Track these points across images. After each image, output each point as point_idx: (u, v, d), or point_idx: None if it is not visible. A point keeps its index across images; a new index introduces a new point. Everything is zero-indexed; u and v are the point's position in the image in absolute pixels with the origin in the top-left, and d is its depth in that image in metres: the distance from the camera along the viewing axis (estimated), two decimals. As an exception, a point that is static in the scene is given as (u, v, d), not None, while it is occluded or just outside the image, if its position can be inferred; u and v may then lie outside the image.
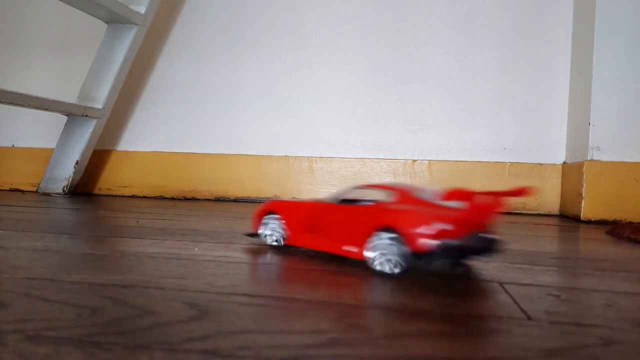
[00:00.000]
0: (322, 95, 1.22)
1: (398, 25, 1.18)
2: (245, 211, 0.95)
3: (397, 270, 0.38)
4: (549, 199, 1.10)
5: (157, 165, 1.29)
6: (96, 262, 0.41)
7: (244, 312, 0.28)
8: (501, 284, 0.38)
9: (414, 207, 0.40)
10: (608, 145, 0.94)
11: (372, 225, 0.40)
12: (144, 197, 1.28)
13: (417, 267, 0.39)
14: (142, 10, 1.18)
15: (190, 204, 1.09)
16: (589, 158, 0.94)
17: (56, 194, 1.21)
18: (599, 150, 0.94)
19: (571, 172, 1.03)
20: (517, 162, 1.12)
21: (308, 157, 1.22)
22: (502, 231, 0.73)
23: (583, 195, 0.94)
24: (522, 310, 0.30)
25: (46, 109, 1.08)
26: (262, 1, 1.25)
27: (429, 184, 1.15)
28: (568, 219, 1.01)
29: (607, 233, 0.75)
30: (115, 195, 1.29)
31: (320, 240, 0.46)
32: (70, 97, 1.19)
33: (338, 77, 1.21)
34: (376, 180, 1.17)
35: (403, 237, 0.37)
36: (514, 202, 1.11)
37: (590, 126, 0.95)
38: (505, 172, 1.12)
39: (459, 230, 0.37)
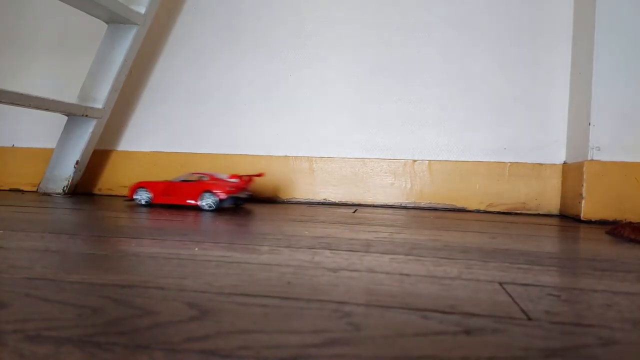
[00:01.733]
0: (322, 95, 1.22)
1: (398, 25, 1.18)
2: (245, 211, 0.95)
3: (213, 207, 0.91)
4: (549, 199, 1.10)
5: (157, 165, 1.29)
6: (96, 262, 0.41)
7: (244, 312, 0.28)
8: (501, 284, 0.38)
9: (217, 182, 0.94)
10: (608, 145, 0.94)
11: (200, 190, 0.92)
12: (144, 197, 1.28)
13: (221, 206, 0.91)
14: (142, 10, 1.18)
15: (190, 204, 1.09)
16: (589, 158, 0.94)
17: (56, 194, 1.21)
18: (599, 150, 0.94)
19: (571, 172, 1.03)
20: (517, 162, 1.12)
21: (308, 157, 1.22)
22: (501, 232, 0.73)
23: (583, 195, 0.94)
24: (522, 310, 0.30)
25: (46, 109, 1.08)
26: (262, 1, 1.25)
27: (429, 184, 1.15)
28: (568, 219, 1.01)
29: (607, 233, 0.75)
30: (116, 195, 1.29)
31: (172, 199, 0.94)
32: (70, 97, 1.19)
33: (338, 77, 1.21)
34: (377, 179, 1.18)
35: (214, 194, 0.91)
36: (514, 203, 1.11)
37: (590, 126, 0.95)
38: (505, 172, 1.12)
39: (235, 191, 0.92)
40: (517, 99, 1.13)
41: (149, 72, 1.31)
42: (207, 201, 0.91)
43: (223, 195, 0.90)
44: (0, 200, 1.05)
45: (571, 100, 1.09)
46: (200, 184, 0.92)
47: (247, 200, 0.98)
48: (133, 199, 0.97)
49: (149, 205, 0.96)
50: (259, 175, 1.00)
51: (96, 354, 0.22)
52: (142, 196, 0.96)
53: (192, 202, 0.92)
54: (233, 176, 0.95)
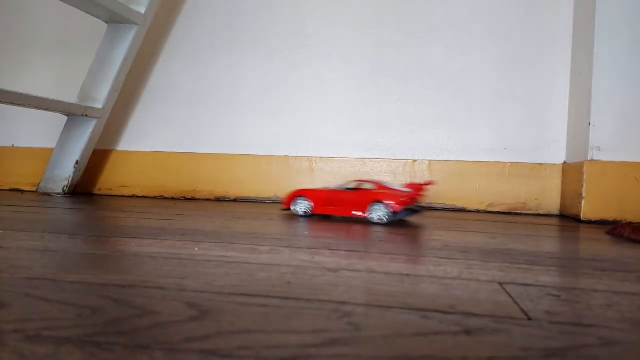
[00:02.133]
0: (322, 95, 1.22)
1: (398, 25, 1.18)
2: (245, 211, 0.95)
3: (385, 220, 0.78)
4: (549, 199, 1.10)
5: (157, 165, 1.29)
6: (96, 262, 0.41)
7: (244, 312, 0.28)
8: (501, 284, 0.38)
9: (389, 191, 0.81)
10: (608, 145, 0.94)
11: (370, 200, 0.80)
12: (144, 197, 1.28)
13: (394, 219, 0.79)
14: (142, 10, 1.18)
15: (190, 204, 1.09)
16: (589, 158, 0.94)
17: (56, 194, 1.21)
18: (599, 150, 0.94)
19: (571, 172, 1.03)
20: (517, 162, 1.12)
21: (308, 157, 1.22)
22: (501, 232, 0.73)
23: (583, 195, 0.94)
24: (522, 310, 0.30)
25: (46, 109, 1.08)
26: (262, 1, 1.25)
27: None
28: (568, 219, 1.01)
29: (607, 233, 0.75)
30: (115, 195, 1.29)
31: (336, 209, 0.83)
32: (70, 97, 1.19)
33: (338, 77, 1.21)
34: (376, 179, 1.17)
35: (387, 206, 0.78)
36: (514, 203, 1.11)
37: (590, 126, 0.95)
38: (505, 172, 1.12)
39: (409, 202, 0.79)
40: (517, 99, 1.13)
41: (149, 72, 1.31)
42: (377, 213, 0.78)
43: (397, 207, 0.77)
44: (0, 200, 1.05)
45: (571, 100, 1.09)
46: (370, 194, 0.80)
47: (416, 213, 0.84)
48: (289, 209, 0.87)
49: (308, 216, 0.85)
50: (428, 184, 0.85)
51: (96, 354, 0.22)
52: (302, 206, 0.85)
53: (359, 213, 0.80)
54: (408, 185, 0.83)
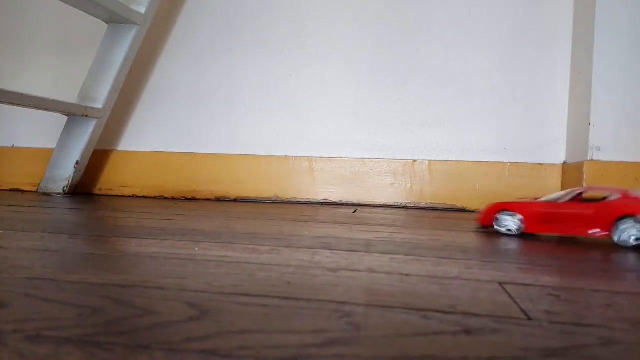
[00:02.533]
0: (322, 95, 1.22)
1: (398, 25, 1.18)
2: (245, 211, 0.95)
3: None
4: None
5: (157, 165, 1.29)
6: (96, 262, 0.41)
7: (244, 312, 0.28)
8: (501, 284, 0.38)
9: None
10: (608, 145, 0.94)
11: (615, 214, 0.58)
12: (144, 197, 1.28)
13: None
14: (142, 10, 1.18)
15: (190, 204, 1.09)
16: (589, 158, 0.94)
17: (56, 194, 1.21)
18: (599, 150, 0.94)
19: (571, 172, 1.03)
20: (517, 162, 1.12)
21: (308, 157, 1.22)
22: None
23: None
24: (522, 310, 0.30)
25: (46, 109, 1.08)
26: (262, 1, 1.25)
27: (429, 184, 1.15)
28: (568, 219, 1.00)
29: (607, 233, 0.75)
30: (115, 195, 1.29)
31: (560, 227, 0.64)
32: (70, 97, 1.19)
33: (338, 77, 1.21)
34: (377, 179, 1.18)
35: None
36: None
37: (590, 126, 0.95)
38: (505, 172, 1.12)
39: None
40: (517, 99, 1.13)
41: (149, 72, 1.31)
42: (632, 232, 0.57)
43: None
44: (0, 200, 1.05)
45: (571, 100, 1.09)
46: (612, 206, 0.60)
47: None
48: (490, 226, 0.70)
49: (519, 235, 0.67)
50: None
51: (96, 354, 0.22)
52: (510, 224, 0.67)
53: (599, 231, 0.60)
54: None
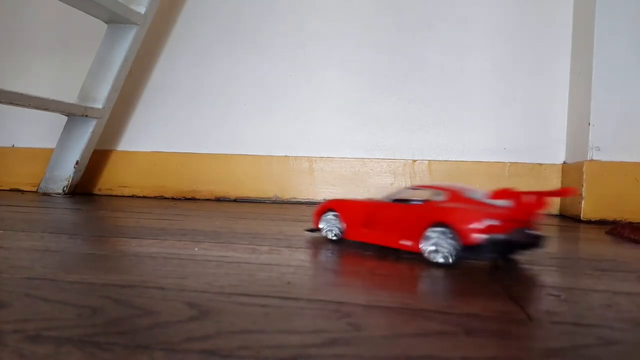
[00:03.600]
0: (322, 95, 1.22)
1: (398, 25, 1.18)
2: (245, 211, 0.95)
3: (450, 261, 0.42)
4: (549, 199, 1.10)
5: (157, 165, 1.29)
6: (96, 262, 0.41)
7: (244, 312, 0.28)
8: (501, 284, 0.38)
9: (465, 205, 0.44)
10: (608, 145, 0.94)
11: (429, 220, 0.44)
12: (144, 197, 1.28)
13: (466, 259, 0.43)
14: (142, 10, 1.18)
15: (190, 204, 1.09)
16: (589, 158, 0.94)
17: (56, 194, 1.21)
18: (599, 150, 0.94)
19: (571, 172, 1.03)
20: (517, 162, 1.12)
21: (308, 157, 1.22)
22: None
23: (583, 195, 0.94)
24: (522, 310, 0.30)
25: (46, 109, 1.08)
26: (262, 1, 1.25)
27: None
28: (568, 219, 1.00)
29: (607, 233, 0.75)
30: (115, 195, 1.29)
31: (376, 234, 0.50)
32: (70, 97, 1.19)
33: (338, 77, 1.21)
34: (377, 179, 1.18)
35: (455, 232, 0.41)
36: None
37: (590, 126, 0.95)
38: (505, 172, 1.12)
39: (505, 226, 0.41)
40: (517, 99, 1.13)
41: (149, 72, 1.31)
42: (438, 246, 0.43)
43: (477, 237, 0.40)
44: (0, 200, 1.05)
45: (571, 100, 1.09)
46: (429, 209, 0.45)
47: (530, 247, 0.45)
48: (318, 229, 0.57)
49: (340, 240, 0.55)
50: (565, 192, 0.43)
51: (96, 354, 0.22)
52: (332, 226, 0.55)
53: (408, 243, 0.46)
54: (500, 193, 0.44)
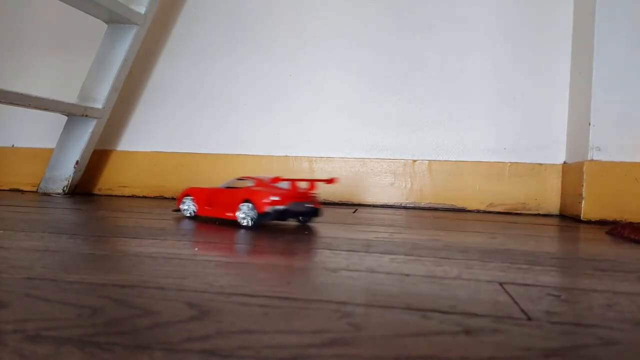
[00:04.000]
0: (322, 95, 1.22)
1: (398, 25, 1.18)
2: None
3: (251, 224, 0.67)
4: (549, 199, 1.10)
5: (157, 165, 1.29)
6: (96, 262, 0.41)
7: (244, 312, 0.28)
8: (501, 284, 0.38)
9: (262, 188, 0.68)
10: (608, 145, 0.94)
11: (240, 199, 0.68)
12: (144, 197, 1.28)
13: (262, 222, 0.67)
14: (142, 10, 1.18)
15: (190, 204, 1.09)
16: (589, 158, 0.94)
17: (56, 194, 1.21)
18: (599, 150, 0.94)
19: (571, 172, 1.03)
20: (517, 162, 1.12)
21: (308, 157, 1.22)
22: (501, 232, 0.73)
23: (583, 195, 0.94)
24: (522, 310, 0.30)
25: (46, 109, 1.08)
26: (262, 1, 1.25)
27: (429, 184, 1.15)
28: (568, 219, 1.01)
29: (607, 233, 0.75)
30: (115, 195, 1.29)
31: (213, 210, 0.73)
32: (70, 97, 1.19)
33: (338, 77, 1.21)
34: (377, 179, 1.18)
35: (254, 205, 0.66)
36: (514, 203, 1.11)
37: (590, 126, 0.95)
38: (505, 172, 1.12)
39: (284, 201, 0.66)
40: (517, 99, 1.13)
41: (149, 72, 1.31)
42: (243, 214, 0.67)
43: (264, 207, 0.65)
44: (0, 200, 1.05)
45: (571, 100, 1.09)
46: (241, 192, 0.69)
47: (311, 215, 0.71)
48: (180, 210, 0.79)
49: (195, 217, 0.77)
50: (329, 181, 0.68)
51: (96, 354, 0.22)
52: (189, 207, 0.77)
53: (231, 214, 0.69)
54: (275, 179, 0.71)
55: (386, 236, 0.63)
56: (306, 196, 0.69)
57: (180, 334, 0.24)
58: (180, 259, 0.44)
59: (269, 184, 0.70)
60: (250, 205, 0.66)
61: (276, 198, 0.65)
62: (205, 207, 0.74)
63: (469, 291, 0.35)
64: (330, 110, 1.21)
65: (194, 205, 0.77)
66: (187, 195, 0.78)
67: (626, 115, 0.94)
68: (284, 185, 0.69)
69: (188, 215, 0.77)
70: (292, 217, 0.69)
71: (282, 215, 0.66)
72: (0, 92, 0.93)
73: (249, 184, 0.72)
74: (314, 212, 0.71)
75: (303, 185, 0.70)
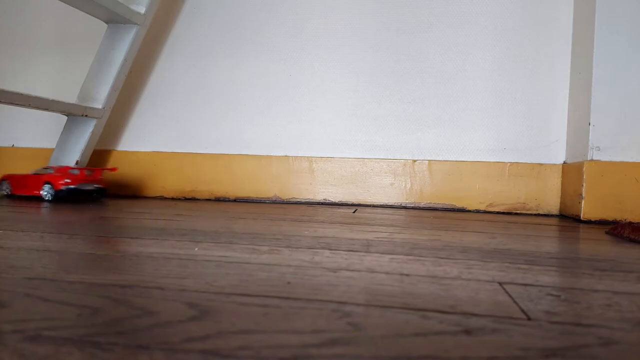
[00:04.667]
0: (322, 95, 1.22)
1: (398, 25, 1.18)
2: (245, 211, 0.95)
3: (51, 199, 1.03)
4: (549, 199, 1.10)
5: (157, 165, 1.29)
6: (96, 262, 0.41)
7: (244, 312, 0.28)
8: (501, 284, 0.38)
9: (58, 173, 1.04)
10: (608, 145, 0.94)
11: (42, 181, 1.04)
12: (144, 197, 1.28)
13: (59, 198, 1.02)
14: (142, 10, 1.18)
15: (190, 204, 1.09)
16: (589, 158, 0.94)
17: (56, 194, 1.21)
18: (599, 150, 0.94)
19: (571, 172, 1.03)
20: (517, 162, 1.12)
21: (308, 157, 1.22)
22: (501, 232, 0.73)
23: (583, 195, 0.94)
24: (522, 310, 0.30)
25: (46, 109, 1.08)
26: (262, 1, 1.25)
27: (429, 184, 1.15)
28: (568, 219, 1.01)
29: (607, 233, 0.75)
30: (115, 195, 1.29)
31: (25, 190, 1.07)
32: (70, 97, 1.19)
33: (338, 77, 1.21)
34: (376, 179, 1.18)
35: (52, 185, 1.02)
36: (513, 203, 1.11)
37: (590, 126, 0.95)
38: (505, 172, 1.12)
39: (74, 182, 1.03)
40: (517, 99, 1.13)
41: (149, 72, 1.31)
42: (45, 192, 1.03)
43: (59, 186, 1.01)
44: (0, 200, 1.05)
45: (571, 100, 1.09)
46: (43, 176, 1.04)
47: (97, 193, 1.07)
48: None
49: (10, 196, 1.11)
50: (111, 169, 1.12)
51: (96, 354, 0.22)
52: (4, 188, 1.11)
53: (37, 192, 1.05)
54: (64, 168, 1.06)
55: (386, 236, 0.63)
56: (94, 179, 1.07)
57: (180, 334, 0.24)
58: (180, 259, 0.44)
59: (64, 171, 1.04)
60: (50, 185, 1.02)
61: (68, 180, 1.02)
62: (20, 188, 1.08)
63: (468, 291, 0.35)
64: (330, 110, 1.21)
65: (9, 187, 1.10)
66: (4, 179, 1.12)
67: (626, 115, 0.94)
68: (76, 172, 1.04)
69: (5, 194, 1.11)
70: (82, 194, 1.05)
71: (73, 192, 1.03)
72: (0, 92, 0.93)
73: (50, 171, 1.05)
74: (101, 191, 1.09)
75: (88, 172, 1.06)
